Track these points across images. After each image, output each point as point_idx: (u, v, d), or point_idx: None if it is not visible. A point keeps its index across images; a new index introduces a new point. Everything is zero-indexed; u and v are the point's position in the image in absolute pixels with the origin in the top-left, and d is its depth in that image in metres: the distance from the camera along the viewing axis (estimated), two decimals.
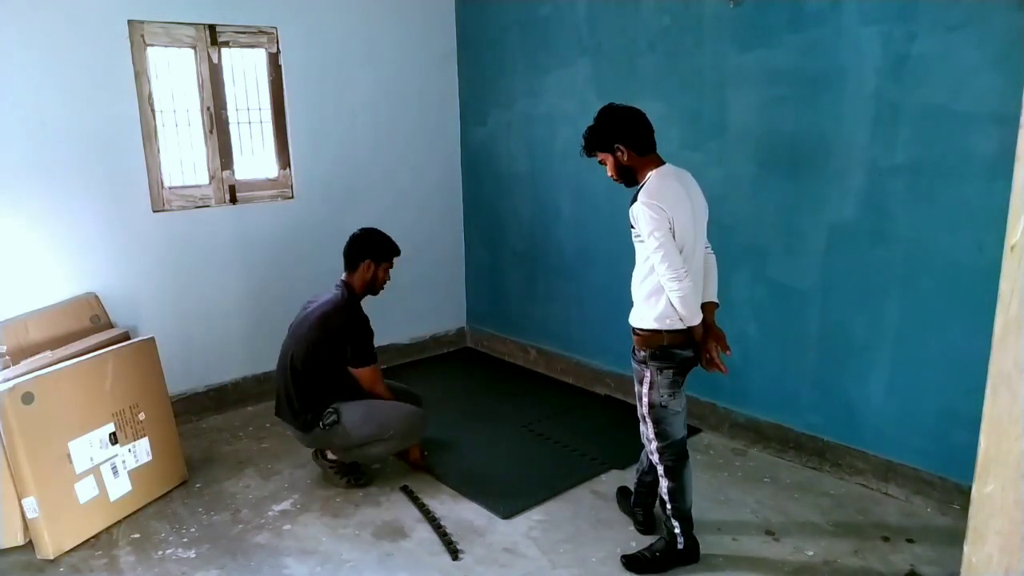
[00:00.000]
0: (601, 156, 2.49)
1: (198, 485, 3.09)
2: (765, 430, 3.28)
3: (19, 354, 2.95)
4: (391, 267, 3.12)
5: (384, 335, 4.32)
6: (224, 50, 3.64)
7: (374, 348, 3.04)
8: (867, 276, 2.86)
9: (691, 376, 3.56)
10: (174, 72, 3.55)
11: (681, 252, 2.27)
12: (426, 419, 3.11)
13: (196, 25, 3.54)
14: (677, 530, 2.44)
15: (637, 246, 2.38)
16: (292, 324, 3.13)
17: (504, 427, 3.56)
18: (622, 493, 2.86)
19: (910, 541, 2.59)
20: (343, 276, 3.07)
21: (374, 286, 3.08)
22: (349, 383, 3.01)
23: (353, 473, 3.06)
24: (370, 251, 3.03)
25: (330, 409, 2.92)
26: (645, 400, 2.43)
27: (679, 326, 2.31)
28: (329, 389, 2.97)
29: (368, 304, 4.32)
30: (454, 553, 2.55)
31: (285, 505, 2.92)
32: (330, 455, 3.07)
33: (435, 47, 4.43)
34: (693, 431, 3.45)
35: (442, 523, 2.74)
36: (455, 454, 3.30)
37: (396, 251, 3.11)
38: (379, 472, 3.16)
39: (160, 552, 2.62)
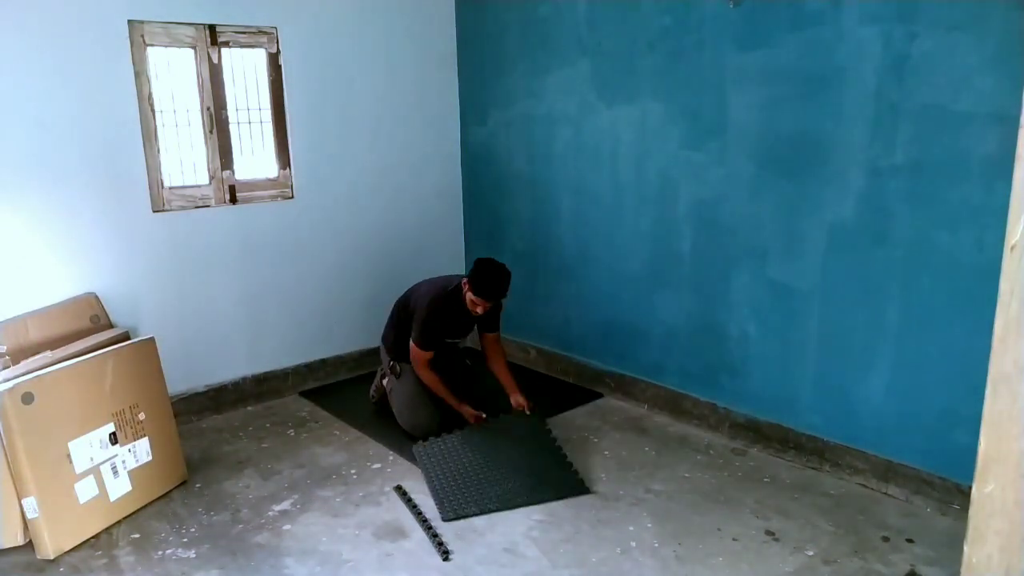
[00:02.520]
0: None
1: (198, 485, 3.09)
2: (765, 430, 3.28)
3: (19, 354, 2.95)
4: (477, 304, 3.30)
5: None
6: (224, 50, 3.64)
7: (430, 336, 3.42)
8: (867, 276, 2.86)
9: (691, 375, 3.59)
10: (174, 72, 3.55)
11: None
12: (423, 432, 3.40)
13: (196, 25, 3.54)
14: None
15: None
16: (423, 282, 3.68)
17: (504, 426, 3.55)
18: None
19: (910, 541, 2.59)
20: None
21: (473, 305, 3.33)
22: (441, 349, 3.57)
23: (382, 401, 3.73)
24: (473, 277, 3.29)
25: (400, 366, 3.56)
26: None
27: None
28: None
29: (368, 305, 4.34)
30: (445, 554, 2.55)
31: (285, 505, 2.92)
32: (386, 382, 3.65)
33: (435, 47, 4.43)
34: (694, 431, 3.45)
35: (435, 524, 2.73)
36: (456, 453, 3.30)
37: (485, 295, 3.28)
38: (379, 472, 3.17)
39: (160, 552, 2.62)
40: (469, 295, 3.30)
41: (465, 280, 3.35)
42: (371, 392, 3.88)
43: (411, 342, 3.45)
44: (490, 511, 2.81)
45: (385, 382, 3.67)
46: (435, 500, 2.87)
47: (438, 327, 3.42)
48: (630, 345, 3.86)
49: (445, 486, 2.94)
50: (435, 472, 3.04)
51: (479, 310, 3.31)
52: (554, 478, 3.02)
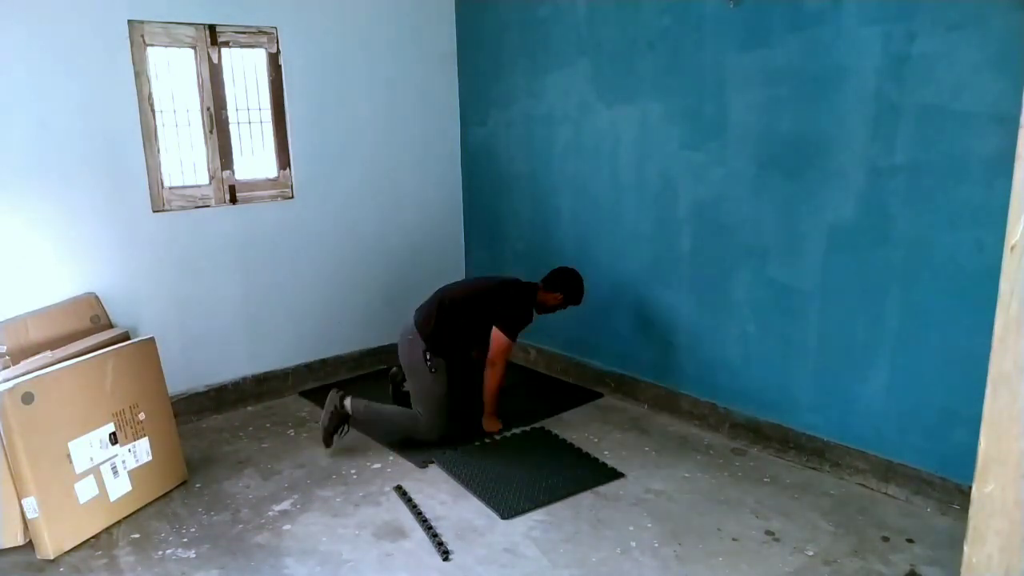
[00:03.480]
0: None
1: (198, 485, 3.09)
2: (765, 430, 3.28)
3: (19, 354, 2.95)
4: (563, 307, 3.58)
5: (384, 335, 4.35)
6: (224, 50, 3.64)
7: (518, 331, 3.43)
8: (867, 276, 2.86)
9: (691, 376, 3.59)
10: (174, 72, 3.55)
11: None
12: (444, 432, 3.38)
13: (196, 25, 3.54)
14: None
15: None
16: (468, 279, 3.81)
17: (515, 439, 3.56)
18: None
19: (910, 541, 2.59)
20: (538, 283, 3.54)
21: (546, 309, 3.57)
22: (467, 355, 3.59)
23: (336, 431, 3.33)
24: (569, 289, 3.52)
25: (440, 358, 3.33)
26: None
27: None
28: (454, 345, 3.40)
29: (368, 305, 4.34)
30: (445, 554, 2.55)
31: (285, 505, 2.92)
32: (345, 403, 3.31)
33: (435, 47, 4.43)
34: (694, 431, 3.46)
35: (435, 524, 2.74)
36: (455, 453, 3.30)
37: (579, 302, 3.59)
38: (379, 472, 3.17)
39: (160, 552, 2.62)
40: (553, 300, 3.52)
41: (550, 292, 3.51)
42: (332, 415, 3.34)
43: (501, 332, 3.36)
44: (543, 504, 2.85)
45: (411, 377, 3.39)
46: (486, 503, 2.86)
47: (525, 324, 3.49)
48: (630, 345, 3.86)
49: (490, 490, 2.96)
50: (472, 479, 3.05)
51: (548, 312, 3.60)
52: (586, 469, 3.13)
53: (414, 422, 3.35)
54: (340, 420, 3.31)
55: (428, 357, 3.30)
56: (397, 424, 3.39)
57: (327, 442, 3.31)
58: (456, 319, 3.37)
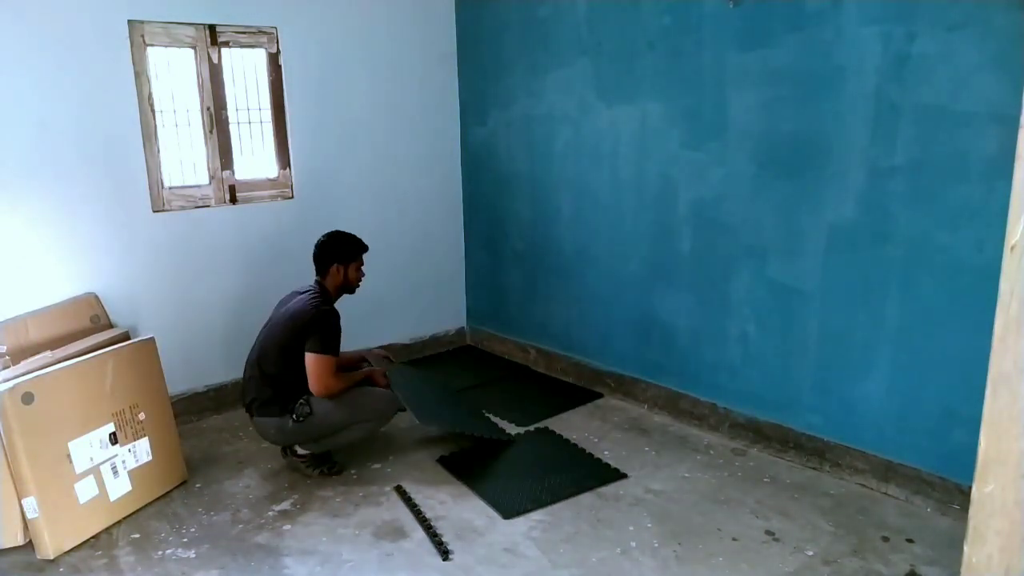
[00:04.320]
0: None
1: (198, 485, 3.09)
2: (765, 430, 3.28)
3: (19, 354, 2.95)
4: (362, 264, 3.21)
5: (384, 335, 4.35)
6: (224, 50, 3.64)
7: (337, 343, 3.02)
8: (867, 276, 2.86)
9: (691, 375, 3.59)
10: (174, 72, 3.55)
11: None
12: (396, 400, 3.11)
13: (196, 25, 3.54)
14: None
15: None
16: (267, 322, 3.20)
17: (504, 426, 3.56)
18: None
19: (910, 541, 2.59)
20: (315, 279, 3.19)
21: (349, 286, 3.20)
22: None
23: (326, 463, 3.13)
24: (335, 254, 3.13)
25: (301, 401, 2.97)
26: None
27: None
28: (299, 387, 3.00)
29: (368, 305, 4.33)
30: (444, 554, 2.55)
31: (285, 505, 2.92)
32: (300, 450, 3.11)
33: (435, 47, 4.43)
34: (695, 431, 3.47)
35: (435, 524, 2.74)
36: (455, 453, 3.30)
37: (363, 247, 3.19)
38: (379, 472, 3.16)
39: (160, 552, 2.62)
40: (353, 267, 3.15)
41: (322, 278, 3.14)
42: (300, 462, 3.11)
43: (314, 356, 2.93)
44: (546, 504, 2.85)
45: (309, 431, 3.00)
46: (490, 503, 2.86)
47: (339, 330, 3.05)
48: (630, 345, 3.85)
49: (494, 490, 2.96)
50: (473, 478, 3.05)
51: (355, 287, 3.22)
52: (589, 468, 3.13)
53: (375, 427, 3.15)
54: (319, 459, 3.10)
55: (296, 417, 2.96)
56: (361, 437, 3.14)
57: (339, 472, 3.11)
58: (286, 376, 3.00)
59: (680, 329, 3.59)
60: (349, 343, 4.27)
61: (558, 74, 3.94)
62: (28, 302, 3.17)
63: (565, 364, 4.24)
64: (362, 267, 3.23)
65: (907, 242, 2.73)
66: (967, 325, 2.60)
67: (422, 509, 2.84)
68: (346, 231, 3.23)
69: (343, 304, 4.22)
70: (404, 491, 2.97)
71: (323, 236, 3.18)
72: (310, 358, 2.96)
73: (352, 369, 3.30)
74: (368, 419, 3.09)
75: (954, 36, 2.50)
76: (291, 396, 3.00)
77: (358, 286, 3.24)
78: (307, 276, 4.03)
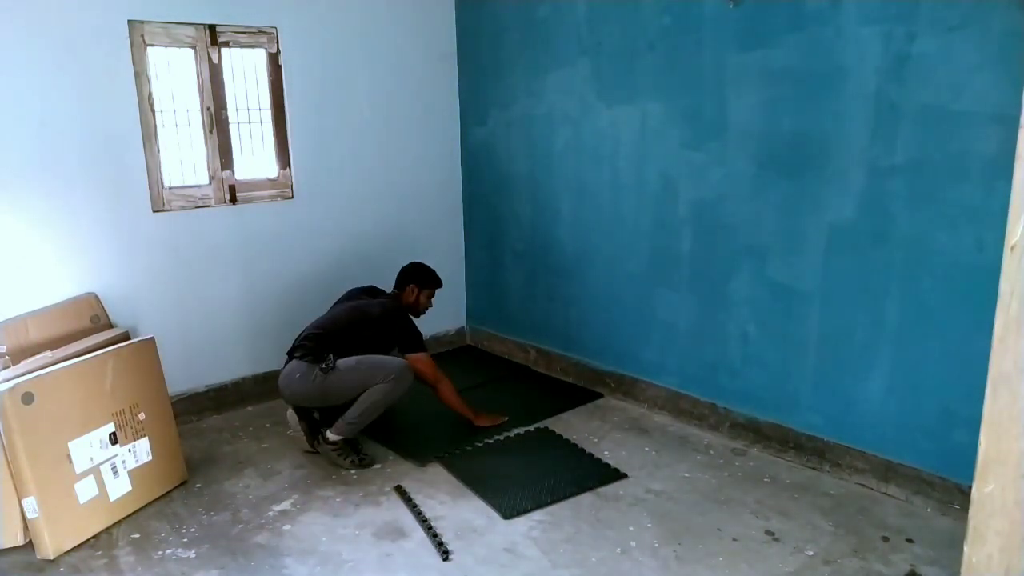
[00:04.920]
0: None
1: (198, 485, 3.09)
2: (765, 430, 3.28)
3: (19, 354, 2.95)
4: (433, 295, 3.67)
5: None
6: (224, 50, 3.64)
7: (423, 340, 3.44)
8: (867, 276, 2.86)
9: (691, 375, 3.59)
10: (174, 72, 3.55)
11: None
12: (410, 370, 3.25)
13: (196, 25, 3.54)
14: None
15: None
16: (346, 296, 3.60)
17: (504, 426, 3.56)
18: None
19: (910, 541, 2.59)
20: (393, 291, 3.62)
21: (415, 308, 3.61)
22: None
23: (357, 452, 3.21)
24: (417, 278, 3.61)
25: (330, 356, 3.15)
26: None
27: None
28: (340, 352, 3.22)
29: None
30: (444, 554, 2.55)
31: (285, 505, 2.92)
32: (331, 436, 3.16)
33: (435, 47, 4.43)
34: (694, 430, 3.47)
35: (435, 524, 2.73)
36: (456, 453, 3.30)
37: (439, 283, 3.69)
38: (379, 472, 3.17)
39: (160, 552, 2.62)
40: (424, 294, 3.61)
41: (403, 290, 3.58)
42: (332, 450, 3.19)
43: (414, 353, 3.33)
44: (546, 504, 2.84)
45: (332, 387, 3.13)
46: (488, 503, 2.86)
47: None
48: (630, 345, 3.85)
49: (492, 490, 2.95)
50: (475, 480, 3.04)
51: (422, 311, 3.66)
52: (589, 469, 3.13)
53: (382, 392, 3.13)
54: (349, 446, 3.20)
55: (324, 366, 3.09)
56: (378, 405, 3.15)
57: (370, 464, 3.20)
58: (341, 348, 3.21)
59: (680, 329, 3.59)
60: None
61: (558, 74, 3.94)
62: (28, 302, 3.17)
63: (565, 364, 4.24)
64: (432, 298, 3.68)
65: (907, 242, 2.73)
66: (967, 325, 2.60)
67: (422, 509, 2.84)
68: (428, 265, 3.69)
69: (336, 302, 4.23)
70: (404, 491, 2.97)
71: (410, 263, 3.70)
72: (416, 358, 3.34)
73: None
74: (382, 381, 3.13)
75: (954, 36, 2.50)
76: (328, 353, 3.19)
77: (423, 312, 3.66)
78: (307, 276, 4.06)
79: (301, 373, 3.16)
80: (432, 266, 4.52)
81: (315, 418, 3.28)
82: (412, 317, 3.54)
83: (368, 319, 3.35)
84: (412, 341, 3.38)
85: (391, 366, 3.17)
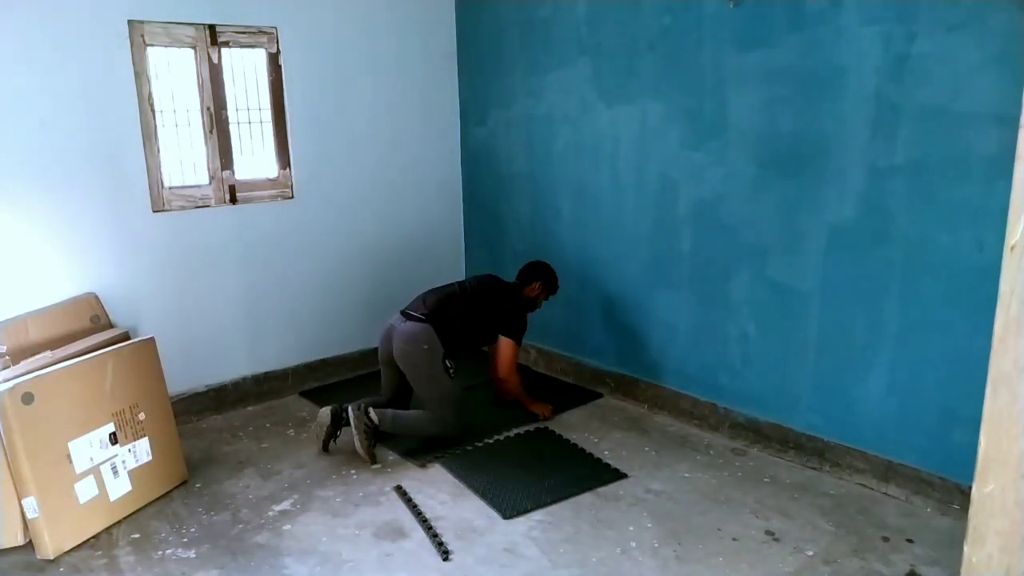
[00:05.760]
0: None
1: (198, 485, 3.09)
2: (765, 430, 3.28)
3: (19, 354, 2.95)
4: (548, 298, 3.76)
5: None
6: (224, 50, 3.64)
7: (522, 333, 3.55)
8: (867, 276, 2.86)
9: (691, 375, 3.59)
10: (174, 72, 3.55)
11: None
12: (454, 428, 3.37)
13: (196, 25, 3.54)
14: None
15: None
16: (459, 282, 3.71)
17: (504, 426, 3.56)
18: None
19: (910, 541, 2.59)
20: (516, 281, 3.70)
21: (532, 303, 3.70)
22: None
23: (374, 444, 3.23)
24: (543, 277, 3.70)
25: (456, 362, 3.37)
26: None
27: None
28: (466, 339, 3.46)
29: (368, 305, 4.34)
30: (445, 554, 2.55)
31: (285, 505, 2.92)
32: (373, 416, 3.20)
33: (435, 47, 4.43)
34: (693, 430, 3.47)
35: (435, 524, 2.73)
36: (456, 453, 3.30)
37: (558, 289, 3.78)
38: (379, 472, 3.17)
39: (160, 552, 2.62)
40: (544, 295, 3.72)
41: (529, 285, 3.66)
42: (366, 426, 3.18)
43: (510, 340, 3.50)
44: (545, 504, 2.85)
45: (433, 386, 3.31)
46: (489, 503, 2.86)
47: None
48: (630, 345, 3.85)
49: (493, 490, 2.96)
50: (475, 480, 3.04)
51: (535, 309, 3.75)
52: (589, 469, 3.13)
53: (438, 424, 3.30)
54: (375, 435, 3.21)
55: (449, 364, 3.33)
56: (423, 429, 3.31)
57: (373, 459, 3.20)
58: (462, 323, 3.42)
59: (680, 329, 3.59)
60: (348, 344, 4.29)
61: (558, 74, 3.94)
62: (28, 302, 3.17)
63: (565, 364, 4.24)
64: (547, 300, 3.78)
65: (907, 242, 2.73)
66: (967, 325, 2.60)
67: (422, 509, 2.84)
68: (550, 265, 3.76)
69: (338, 302, 4.24)
70: (404, 491, 2.97)
71: (543, 261, 3.78)
72: (505, 342, 3.49)
73: None
74: (437, 417, 3.30)
75: (954, 36, 2.50)
76: (460, 347, 3.41)
77: (536, 309, 3.73)
78: (306, 276, 4.06)
79: (423, 351, 3.27)
80: (432, 266, 4.55)
81: (342, 421, 3.30)
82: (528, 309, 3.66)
83: (496, 292, 3.56)
84: (515, 328, 3.51)
85: (448, 415, 3.32)
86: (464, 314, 3.44)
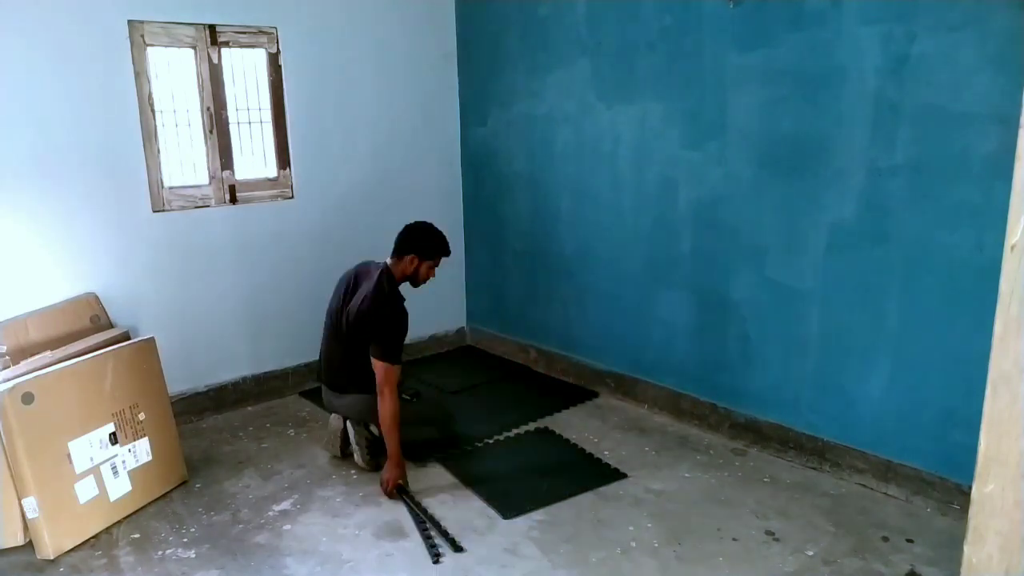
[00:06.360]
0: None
1: (198, 485, 3.09)
2: (765, 430, 3.28)
3: (19, 354, 2.95)
4: (436, 265, 3.13)
5: None
6: (224, 50, 3.64)
7: (400, 348, 2.98)
8: (867, 276, 2.86)
9: (691, 375, 3.59)
10: (174, 72, 3.55)
11: None
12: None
13: (196, 25, 3.54)
14: None
15: None
16: (336, 296, 3.21)
17: (504, 426, 3.56)
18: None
19: (910, 541, 2.59)
20: (388, 259, 3.10)
21: (415, 279, 3.11)
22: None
23: (381, 456, 3.08)
24: (418, 246, 3.06)
25: (410, 389, 3.23)
26: None
27: None
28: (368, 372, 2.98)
29: None
30: (435, 556, 2.53)
31: (285, 505, 2.92)
32: (374, 429, 3.15)
33: (435, 47, 4.43)
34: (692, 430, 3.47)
35: (430, 525, 2.73)
36: (455, 453, 3.30)
37: (446, 251, 3.13)
38: (379, 472, 3.16)
39: (160, 552, 2.62)
40: (427, 265, 3.07)
41: (395, 261, 3.05)
42: (365, 439, 3.13)
43: (379, 360, 2.90)
44: (546, 504, 2.84)
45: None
46: (490, 504, 2.85)
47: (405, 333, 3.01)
48: (630, 345, 3.85)
49: (492, 490, 2.95)
50: (475, 480, 3.04)
51: (423, 281, 3.14)
52: (589, 468, 3.11)
53: (433, 429, 3.33)
54: (375, 445, 3.16)
55: (405, 397, 3.26)
56: (420, 434, 3.26)
57: (377, 469, 3.08)
58: (362, 366, 3.00)
59: (680, 329, 3.59)
60: None
61: (558, 74, 3.94)
62: (28, 302, 3.17)
63: (565, 364, 4.24)
64: (435, 268, 3.13)
65: (907, 242, 2.73)
66: (967, 325, 2.60)
67: (421, 510, 2.83)
68: (438, 228, 3.14)
69: None
70: (405, 490, 2.97)
71: (415, 223, 3.12)
72: (377, 365, 2.91)
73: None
74: (429, 429, 3.27)
75: (954, 36, 2.50)
76: (361, 378, 3.01)
77: (423, 283, 3.14)
78: (307, 276, 4.05)
79: (369, 407, 3.03)
80: None
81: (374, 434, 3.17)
82: (406, 291, 3.11)
83: (363, 322, 2.98)
84: (386, 348, 2.91)
85: (440, 420, 3.32)
86: (354, 359, 3.03)
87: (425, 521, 2.75)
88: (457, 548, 2.57)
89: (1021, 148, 1.07)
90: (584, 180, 3.92)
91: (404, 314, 3.01)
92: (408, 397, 3.24)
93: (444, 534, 2.66)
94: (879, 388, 2.89)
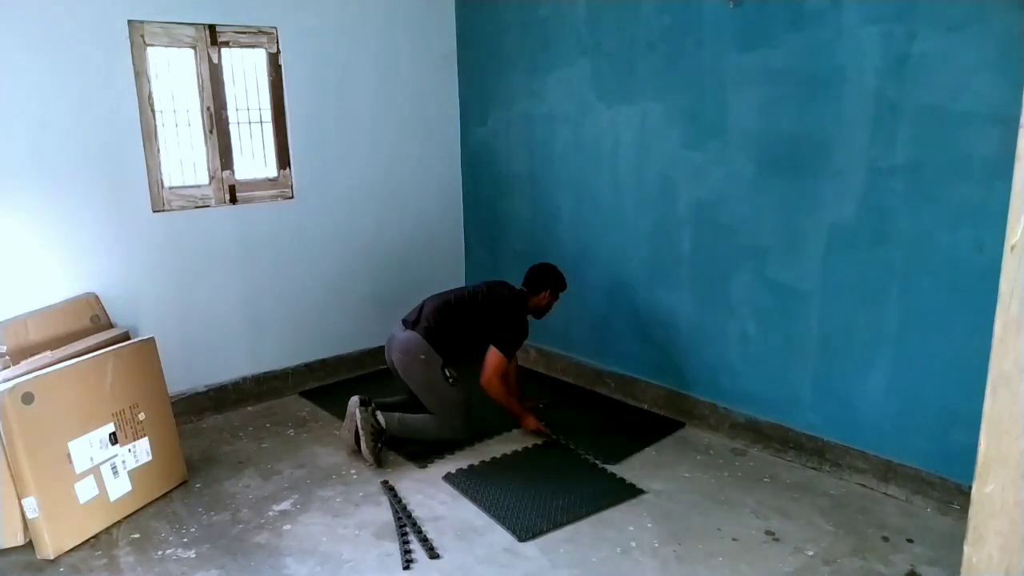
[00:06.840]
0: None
1: (198, 485, 3.09)
2: (765, 430, 3.28)
3: (19, 354, 2.95)
4: (557, 300, 3.61)
5: (384, 336, 4.33)
6: (224, 50, 3.64)
7: (515, 348, 3.40)
8: (867, 276, 2.86)
9: (691, 376, 3.59)
10: (174, 72, 3.55)
11: None
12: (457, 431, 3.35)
13: (196, 25, 3.54)
14: None
15: None
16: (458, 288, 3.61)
17: (503, 426, 3.55)
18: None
19: (910, 541, 2.59)
20: (522, 288, 3.55)
21: (542, 311, 3.59)
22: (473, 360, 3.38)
23: (381, 449, 3.21)
24: (555, 284, 3.56)
25: (456, 370, 3.32)
26: None
27: None
28: (464, 347, 3.35)
29: (368, 305, 4.34)
30: (407, 563, 2.49)
31: (285, 505, 2.92)
32: (381, 419, 3.20)
33: (435, 47, 4.43)
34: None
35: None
36: (456, 454, 3.30)
37: (565, 289, 3.63)
38: (379, 472, 3.16)
39: (160, 552, 2.62)
40: (553, 301, 3.57)
41: (537, 295, 3.52)
42: (372, 428, 3.18)
43: (496, 349, 3.32)
44: (562, 524, 2.71)
45: (435, 393, 3.30)
46: (503, 525, 2.71)
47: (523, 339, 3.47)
48: (630, 345, 3.86)
49: (505, 510, 2.82)
50: (486, 499, 2.90)
51: (545, 313, 3.63)
52: (605, 486, 2.99)
53: (445, 430, 3.30)
54: (380, 436, 3.20)
55: (448, 373, 3.29)
56: (430, 434, 3.30)
57: (379, 462, 3.17)
58: (461, 331, 3.34)
59: (680, 329, 3.59)
60: (348, 344, 4.29)
61: (558, 74, 3.94)
62: (28, 302, 3.17)
63: (564, 364, 4.24)
64: (557, 301, 3.61)
65: (907, 242, 2.73)
66: (967, 325, 2.60)
67: (412, 509, 2.83)
68: (557, 268, 3.60)
69: (338, 302, 4.24)
70: (392, 488, 2.95)
71: (543, 263, 3.62)
72: (491, 351, 3.32)
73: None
74: (437, 421, 3.30)
75: (954, 36, 2.50)
76: (458, 355, 3.33)
77: (546, 315, 3.63)
78: (306, 276, 4.06)
79: (420, 361, 3.26)
80: (432, 266, 4.54)
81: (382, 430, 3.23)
82: (532, 318, 3.55)
83: (501, 302, 3.43)
84: (507, 340, 3.35)
85: (455, 421, 3.31)
86: (464, 322, 3.35)
87: (406, 524, 2.73)
88: (433, 555, 2.54)
89: (1021, 148, 1.07)
90: (584, 180, 3.92)
91: (528, 329, 3.48)
92: (452, 376, 3.31)
93: (424, 540, 2.62)
94: (879, 388, 2.89)
